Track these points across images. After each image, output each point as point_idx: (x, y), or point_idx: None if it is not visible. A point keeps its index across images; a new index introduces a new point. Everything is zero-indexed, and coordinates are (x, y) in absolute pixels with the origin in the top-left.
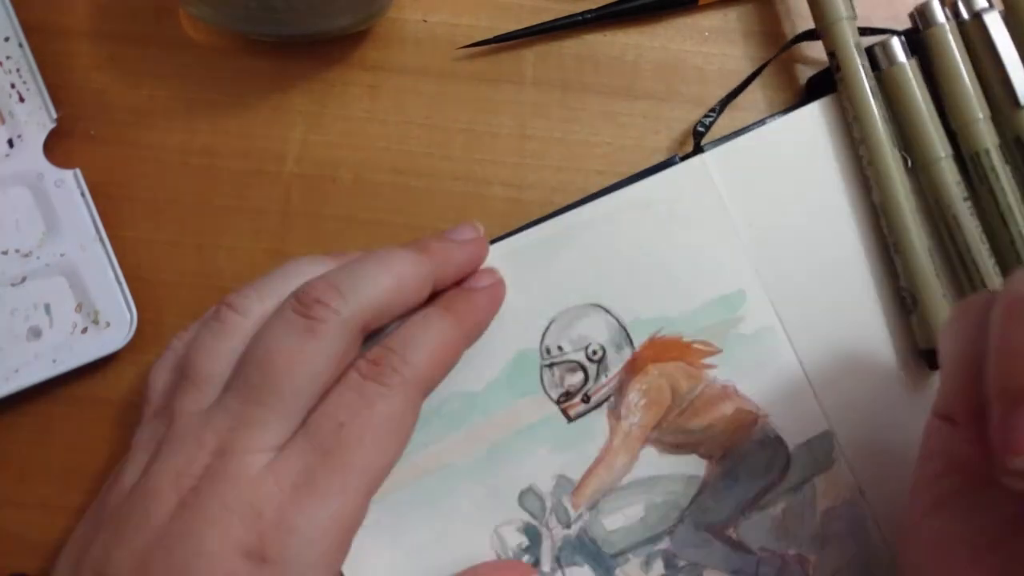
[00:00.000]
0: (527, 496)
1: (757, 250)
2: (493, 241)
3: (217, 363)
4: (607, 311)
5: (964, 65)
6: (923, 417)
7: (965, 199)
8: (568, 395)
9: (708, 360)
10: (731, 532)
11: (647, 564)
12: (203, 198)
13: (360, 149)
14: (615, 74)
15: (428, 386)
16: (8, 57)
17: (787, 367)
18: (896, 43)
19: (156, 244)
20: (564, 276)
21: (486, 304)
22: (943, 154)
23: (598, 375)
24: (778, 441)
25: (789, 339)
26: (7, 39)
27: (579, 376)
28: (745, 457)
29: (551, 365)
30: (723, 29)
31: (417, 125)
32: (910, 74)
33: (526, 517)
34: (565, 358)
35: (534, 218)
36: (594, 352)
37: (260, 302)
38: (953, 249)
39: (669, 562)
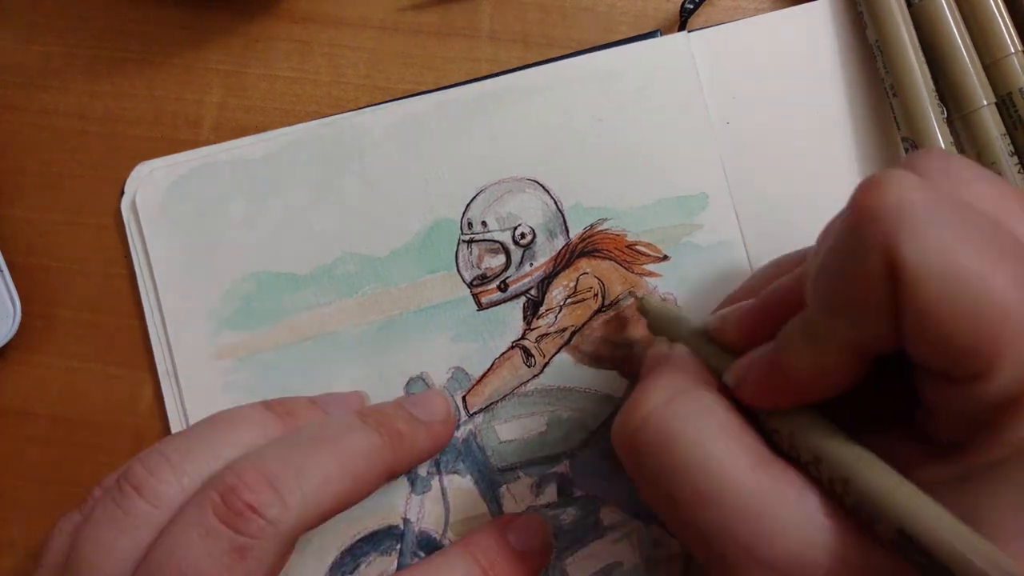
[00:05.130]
0: (415, 384)
1: (731, 152)
2: (431, 90)
3: (112, 564)
4: (545, 190)
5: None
6: None
7: (1012, 154)
8: (484, 279)
9: (651, 267)
10: None
11: (538, 487)
12: (105, 171)
13: (288, 114)
14: (586, 27)
15: (312, 526)
16: None
17: None
18: None
19: (49, 225)
20: (503, 142)
21: (427, 446)
22: (984, 102)
23: (522, 262)
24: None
25: (749, 259)
26: None
27: (500, 259)
28: None
29: (471, 242)
30: None
31: (354, 87)
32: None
33: None
34: (488, 236)
35: None
36: (522, 235)
37: (176, 480)
38: None
39: (563, 489)
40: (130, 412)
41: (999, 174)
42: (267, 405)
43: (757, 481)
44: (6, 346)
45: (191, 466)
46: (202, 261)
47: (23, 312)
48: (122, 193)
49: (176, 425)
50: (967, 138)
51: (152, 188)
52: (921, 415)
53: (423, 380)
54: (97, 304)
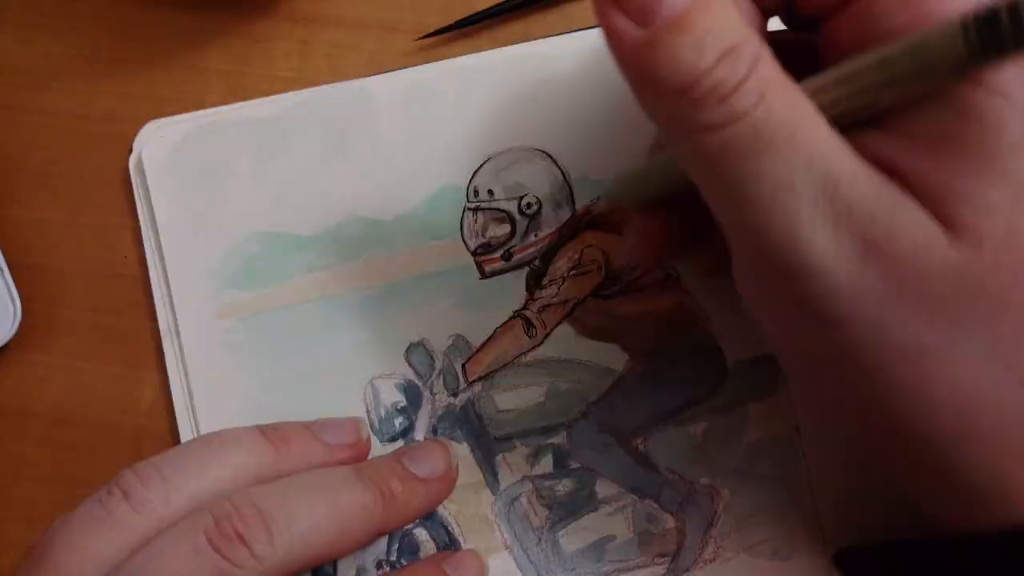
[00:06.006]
0: (416, 351)
1: None
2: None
3: (80, 561)
4: (553, 161)
5: None
6: None
7: None
8: (488, 247)
9: None
10: (639, 443)
11: (534, 457)
12: (105, 171)
13: None
14: None
15: (294, 571)
16: None
17: None
18: None
19: (49, 225)
20: (513, 111)
21: (422, 506)
22: None
23: (527, 232)
24: (716, 352)
25: None
26: None
27: (505, 228)
28: (674, 361)
29: (476, 209)
30: None
31: None
32: None
33: (409, 374)
34: (494, 205)
35: None
36: (528, 205)
37: (163, 491)
38: None
39: (559, 460)
40: (131, 412)
41: None
42: (262, 430)
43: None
44: (6, 346)
45: (180, 480)
46: (206, 219)
47: (23, 312)
48: (129, 152)
49: (177, 385)
50: None
51: (159, 145)
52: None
53: (423, 346)
54: (97, 304)
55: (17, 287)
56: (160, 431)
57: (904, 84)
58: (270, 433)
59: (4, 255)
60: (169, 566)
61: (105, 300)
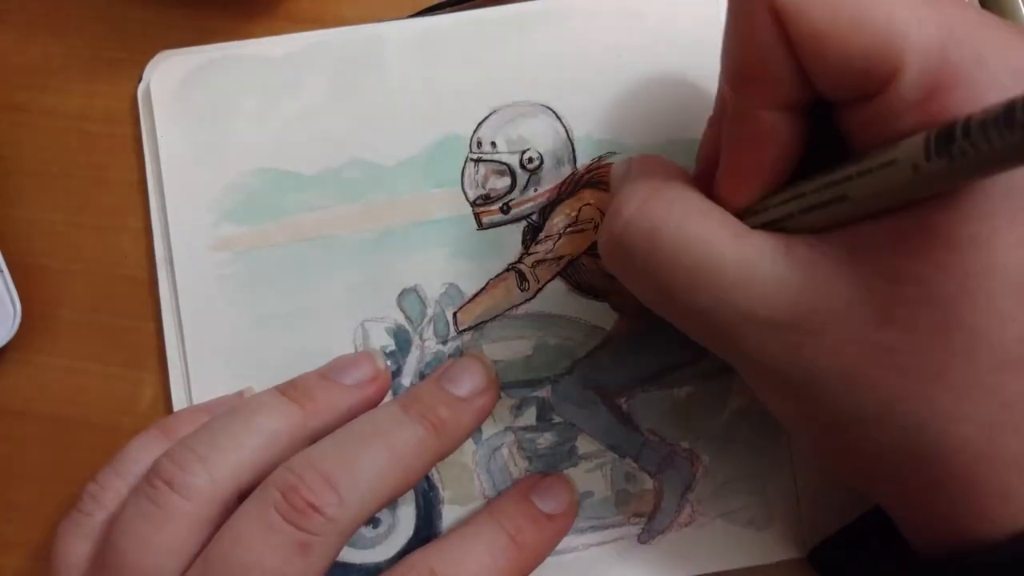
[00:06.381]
0: (408, 296)
1: None
2: (454, 7)
3: (156, 559)
4: (558, 117)
5: None
6: None
7: None
8: (487, 199)
9: None
10: (622, 402)
11: (518, 408)
12: (105, 172)
13: None
14: None
15: (368, 519)
16: None
17: None
18: None
19: (49, 225)
20: (521, 66)
21: (471, 424)
22: None
23: (527, 186)
24: None
25: None
26: None
27: (505, 181)
28: (663, 323)
29: (478, 160)
30: None
31: None
32: None
33: (400, 319)
34: (496, 157)
35: None
36: (530, 159)
37: (206, 472)
38: None
39: (543, 414)
40: (130, 412)
41: None
42: (281, 390)
43: (740, 249)
44: (6, 346)
45: (218, 456)
46: (210, 152)
47: (23, 312)
48: (139, 80)
49: (168, 309)
50: None
51: (168, 76)
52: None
53: (416, 292)
54: (97, 304)
55: (17, 287)
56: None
57: (873, 193)
58: (290, 391)
59: (4, 255)
60: (251, 549)
61: (105, 300)
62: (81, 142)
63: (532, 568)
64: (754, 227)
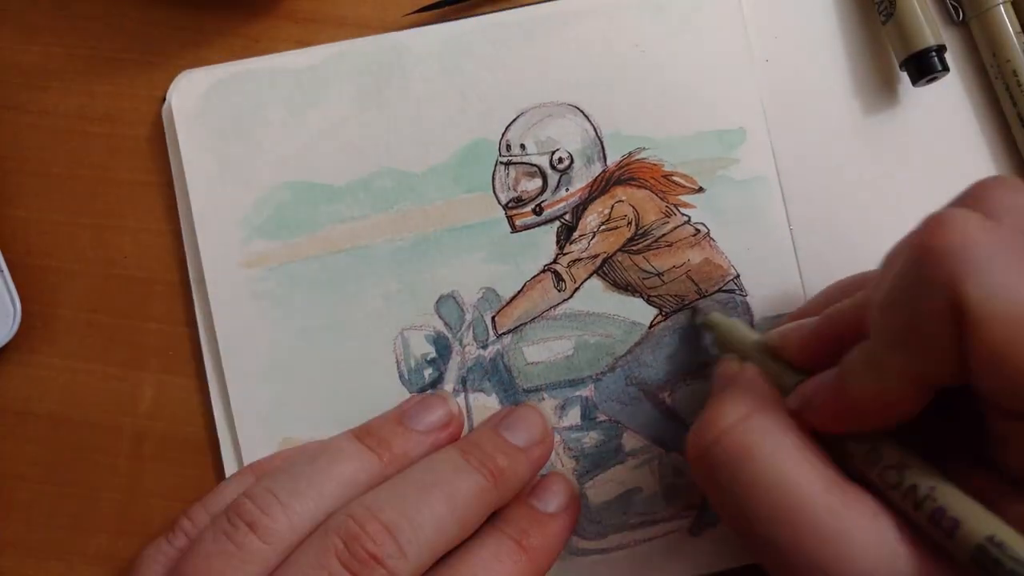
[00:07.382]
0: (446, 303)
1: (769, 90)
2: (454, 6)
3: None
4: (586, 116)
5: None
6: None
7: None
8: (519, 201)
9: (686, 197)
10: (665, 396)
11: (562, 409)
12: (104, 172)
13: None
14: None
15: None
16: None
17: (774, 228)
18: None
19: (49, 225)
20: (546, 66)
21: (527, 475)
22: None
23: (558, 186)
24: (743, 308)
25: (783, 198)
26: None
27: (536, 183)
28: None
29: (508, 164)
30: None
31: None
32: None
33: (439, 326)
34: (526, 159)
35: None
36: (560, 160)
37: (287, 519)
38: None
39: (587, 412)
40: (130, 412)
41: (1013, 74)
42: (358, 436)
43: (831, 503)
44: (6, 346)
45: (300, 505)
46: (237, 168)
47: (23, 312)
48: (163, 101)
49: (204, 333)
50: (982, 38)
51: (190, 93)
52: (991, 446)
53: (454, 298)
54: (97, 304)
55: (17, 287)
56: (160, 432)
57: None
58: (367, 439)
59: (4, 255)
60: None
61: (105, 300)
62: (81, 142)
63: (546, 568)
64: (848, 453)
